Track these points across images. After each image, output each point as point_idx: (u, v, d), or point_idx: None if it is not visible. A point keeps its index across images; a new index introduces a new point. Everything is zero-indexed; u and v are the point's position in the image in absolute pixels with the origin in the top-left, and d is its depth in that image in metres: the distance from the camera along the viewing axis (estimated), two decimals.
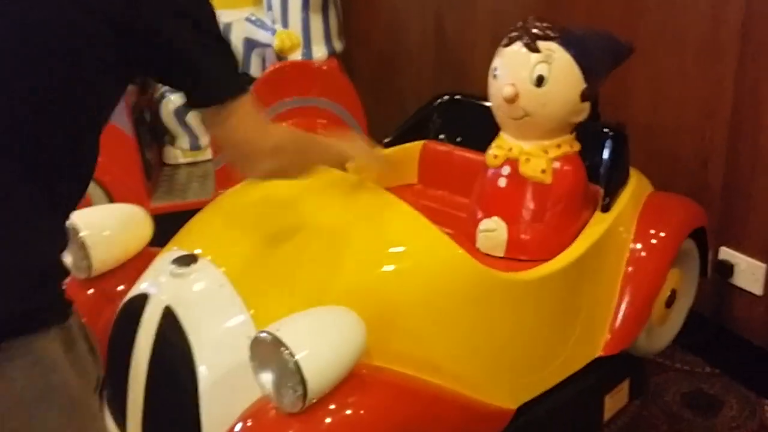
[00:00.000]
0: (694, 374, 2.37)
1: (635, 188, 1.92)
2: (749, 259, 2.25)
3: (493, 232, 1.78)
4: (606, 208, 1.83)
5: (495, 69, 1.79)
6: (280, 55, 3.00)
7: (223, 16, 3.02)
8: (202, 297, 1.42)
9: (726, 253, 2.31)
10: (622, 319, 1.85)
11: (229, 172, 2.71)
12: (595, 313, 1.83)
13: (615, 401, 2.05)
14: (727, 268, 2.29)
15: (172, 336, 1.40)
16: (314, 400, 1.25)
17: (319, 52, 3.02)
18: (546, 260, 1.73)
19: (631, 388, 2.11)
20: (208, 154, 3.09)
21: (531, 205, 1.77)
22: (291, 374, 1.22)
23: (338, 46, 3.11)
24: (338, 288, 1.42)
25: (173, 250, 1.53)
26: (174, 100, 3.13)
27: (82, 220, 1.65)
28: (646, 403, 2.23)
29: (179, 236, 1.59)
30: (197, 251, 1.49)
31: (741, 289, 2.30)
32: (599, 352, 1.84)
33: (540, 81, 1.71)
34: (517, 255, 1.76)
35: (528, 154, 1.77)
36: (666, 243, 1.88)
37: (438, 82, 3.41)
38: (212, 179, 2.90)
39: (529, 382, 1.72)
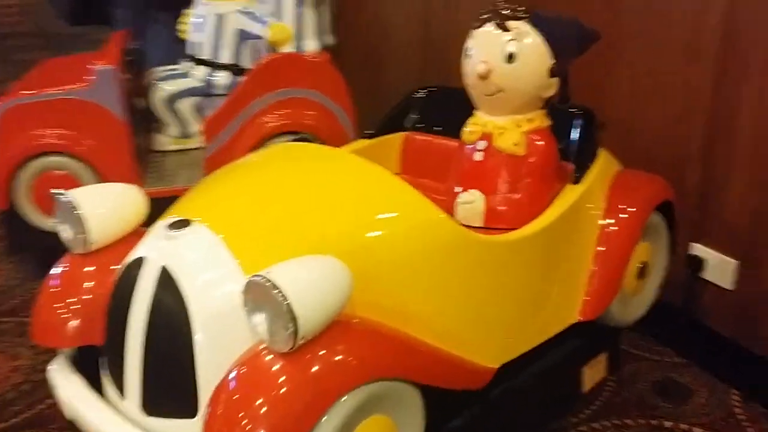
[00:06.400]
0: (664, 364, 2.45)
1: (603, 164, 2.00)
2: (721, 255, 2.32)
3: (471, 203, 1.85)
4: (577, 181, 1.92)
5: (468, 49, 1.85)
6: (273, 47, 3.09)
7: (217, 7, 3.14)
8: (196, 255, 1.46)
9: (697, 248, 2.38)
10: (596, 287, 1.94)
11: (218, 159, 2.79)
12: (571, 280, 1.92)
13: (593, 373, 2.12)
14: (697, 263, 2.37)
15: (168, 292, 1.44)
16: (305, 339, 1.30)
17: (311, 45, 3.11)
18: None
19: (609, 362, 2.17)
20: (196, 142, 3.13)
21: (506, 176, 1.83)
22: (283, 313, 1.27)
23: (329, 40, 3.21)
24: (323, 244, 1.45)
25: (168, 218, 1.57)
26: (164, 87, 3.17)
27: (80, 197, 1.68)
28: (618, 391, 2.31)
29: (174, 207, 1.64)
30: (192, 218, 1.52)
31: (711, 283, 2.37)
32: (577, 317, 1.93)
33: (511, 57, 1.78)
34: (495, 224, 1.83)
35: (502, 128, 1.83)
36: (634, 216, 1.97)
37: (424, 75, 3.48)
38: (201, 167, 2.95)
39: (510, 342, 1.79)
